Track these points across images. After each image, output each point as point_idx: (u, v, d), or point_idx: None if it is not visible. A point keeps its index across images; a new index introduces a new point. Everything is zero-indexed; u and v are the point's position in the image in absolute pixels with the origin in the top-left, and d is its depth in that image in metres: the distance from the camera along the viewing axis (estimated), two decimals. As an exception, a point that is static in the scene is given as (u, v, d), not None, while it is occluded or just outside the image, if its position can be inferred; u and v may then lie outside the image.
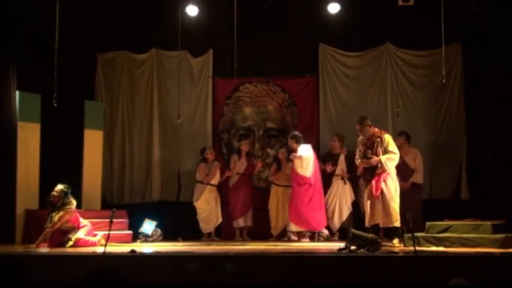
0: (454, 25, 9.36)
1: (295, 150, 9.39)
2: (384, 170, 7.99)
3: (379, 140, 8.16)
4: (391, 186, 8.00)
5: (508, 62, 9.27)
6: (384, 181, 7.99)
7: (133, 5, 10.29)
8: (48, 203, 8.25)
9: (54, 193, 8.18)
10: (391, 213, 7.90)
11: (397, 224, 7.90)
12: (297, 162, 9.26)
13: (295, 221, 9.31)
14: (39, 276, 5.58)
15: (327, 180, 9.74)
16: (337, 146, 9.76)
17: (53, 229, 8.03)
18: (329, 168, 9.65)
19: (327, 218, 9.67)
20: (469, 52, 9.90)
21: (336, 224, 9.64)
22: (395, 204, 7.94)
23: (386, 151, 8.07)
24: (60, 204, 8.16)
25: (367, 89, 10.36)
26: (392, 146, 8.11)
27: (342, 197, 9.66)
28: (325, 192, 9.66)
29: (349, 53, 10.46)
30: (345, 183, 9.69)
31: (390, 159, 8.01)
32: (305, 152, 9.32)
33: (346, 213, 9.63)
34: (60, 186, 8.23)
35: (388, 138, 8.18)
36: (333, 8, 9.89)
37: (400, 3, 9.15)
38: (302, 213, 9.22)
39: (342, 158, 9.65)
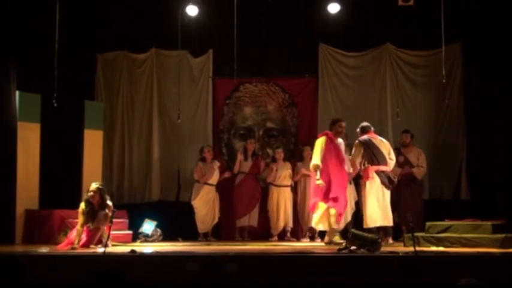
0: (454, 25, 9.37)
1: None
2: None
3: None
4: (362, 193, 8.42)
5: (508, 62, 9.27)
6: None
7: (133, 5, 10.30)
8: (87, 204, 7.93)
9: (91, 193, 7.92)
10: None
11: (367, 225, 8.18)
12: None
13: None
14: (39, 276, 5.58)
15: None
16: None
17: (108, 226, 7.76)
18: None
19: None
20: (469, 52, 9.90)
21: (341, 224, 9.61)
22: (363, 209, 8.38)
23: None
24: (102, 201, 7.95)
25: (367, 89, 10.38)
26: None
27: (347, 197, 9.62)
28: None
29: (349, 53, 10.47)
30: (350, 183, 9.65)
31: None
32: None
33: (350, 214, 9.61)
34: (96, 185, 8.05)
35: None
36: (333, 8, 9.90)
37: (400, 3, 9.17)
38: None
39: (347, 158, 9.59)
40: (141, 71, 10.85)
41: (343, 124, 8.58)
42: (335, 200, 8.32)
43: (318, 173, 8.26)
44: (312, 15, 10.29)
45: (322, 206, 8.37)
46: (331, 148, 8.43)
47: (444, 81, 9.01)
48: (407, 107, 10.19)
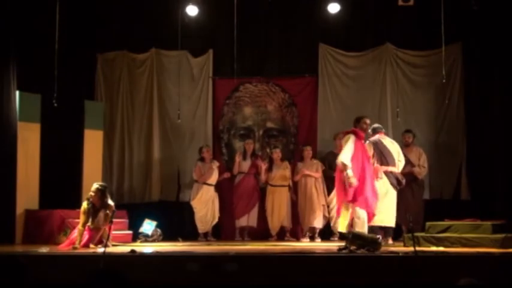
0: (454, 25, 9.37)
1: None
2: None
3: None
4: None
5: (508, 61, 9.27)
6: None
7: (133, 5, 10.30)
8: (89, 204, 7.94)
9: (91, 193, 7.96)
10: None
11: (371, 223, 8.05)
12: None
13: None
14: (39, 276, 5.58)
15: (331, 180, 9.73)
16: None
17: (108, 226, 7.65)
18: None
19: (330, 219, 9.64)
20: (469, 52, 9.90)
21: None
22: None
23: None
24: (102, 202, 7.96)
25: (367, 89, 10.37)
26: None
27: None
28: (329, 193, 9.65)
29: (349, 53, 10.46)
30: None
31: None
32: None
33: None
34: (96, 185, 8.06)
35: None
36: (333, 8, 9.90)
37: (400, 3, 9.19)
38: None
39: None
40: (141, 71, 10.84)
41: (368, 121, 8.25)
42: (366, 200, 7.86)
43: (350, 171, 7.75)
44: (312, 15, 10.30)
45: (346, 210, 7.97)
46: (359, 146, 7.98)
47: (444, 81, 9.02)
48: (407, 107, 10.18)
